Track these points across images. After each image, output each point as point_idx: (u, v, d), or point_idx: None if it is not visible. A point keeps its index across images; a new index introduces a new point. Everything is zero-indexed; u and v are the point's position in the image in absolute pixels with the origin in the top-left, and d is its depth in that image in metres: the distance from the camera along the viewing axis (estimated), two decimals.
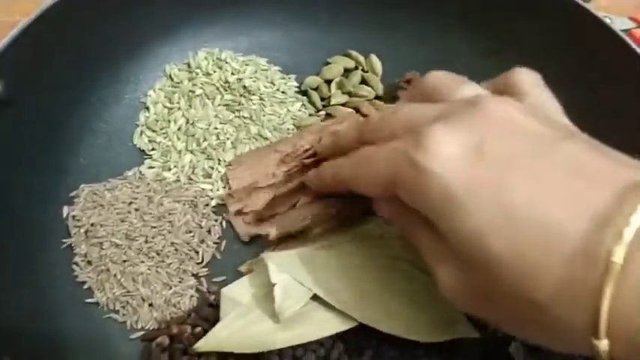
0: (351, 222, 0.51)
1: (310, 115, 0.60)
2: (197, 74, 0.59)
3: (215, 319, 0.45)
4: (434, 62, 0.61)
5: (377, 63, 0.62)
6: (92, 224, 0.50)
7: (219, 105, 0.58)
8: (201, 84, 0.58)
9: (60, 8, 0.51)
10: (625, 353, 0.25)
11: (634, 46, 0.49)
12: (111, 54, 0.57)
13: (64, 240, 0.50)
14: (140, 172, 0.54)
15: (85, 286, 0.48)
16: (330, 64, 0.62)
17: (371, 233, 0.50)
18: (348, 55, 0.63)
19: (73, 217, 0.50)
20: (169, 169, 0.54)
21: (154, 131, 0.56)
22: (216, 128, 0.56)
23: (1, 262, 0.45)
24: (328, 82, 0.61)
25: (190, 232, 0.50)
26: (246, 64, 0.60)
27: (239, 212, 0.52)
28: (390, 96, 0.60)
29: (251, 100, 0.58)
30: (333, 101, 0.60)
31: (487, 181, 0.28)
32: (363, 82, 0.62)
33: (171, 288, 0.48)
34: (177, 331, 0.45)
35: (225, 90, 0.58)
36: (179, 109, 0.57)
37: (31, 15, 0.49)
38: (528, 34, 0.57)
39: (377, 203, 0.39)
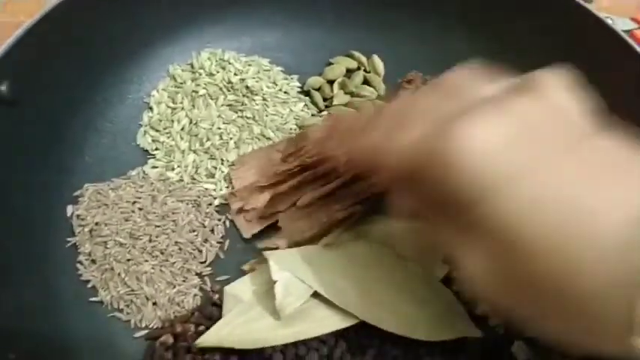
0: (356, 223, 0.51)
1: (313, 115, 0.60)
2: (200, 74, 0.59)
3: (218, 318, 0.45)
4: (435, 62, 0.61)
5: (379, 63, 0.63)
6: (96, 223, 0.50)
7: (222, 105, 0.58)
8: (205, 84, 0.59)
9: (64, 9, 0.51)
10: None
11: (636, 46, 0.50)
12: (114, 54, 0.57)
13: (69, 239, 0.50)
14: (144, 172, 0.54)
15: (89, 285, 0.48)
16: (332, 64, 0.63)
17: (374, 233, 0.51)
18: (351, 56, 0.63)
19: (78, 216, 0.51)
20: (173, 169, 0.55)
21: (157, 131, 0.57)
22: (219, 128, 0.56)
23: (5, 261, 0.45)
24: (330, 82, 0.62)
25: (194, 231, 0.51)
26: (249, 65, 0.61)
27: (241, 210, 0.52)
28: (392, 96, 0.61)
29: (254, 100, 0.58)
30: (335, 101, 0.60)
31: (527, 168, 0.27)
32: (366, 82, 0.62)
33: (175, 287, 0.48)
34: (180, 330, 0.45)
35: (228, 90, 0.59)
36: (182, 109, 0.57)
37: (35, 15, 0.50)
38: (528, 34, 0.57)
39: (394, 195, 0.37)
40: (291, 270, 0.45)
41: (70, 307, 0.47)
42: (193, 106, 0.58)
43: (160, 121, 0.57)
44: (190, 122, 0.57)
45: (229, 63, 0.60)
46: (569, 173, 0.27)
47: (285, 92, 0.60)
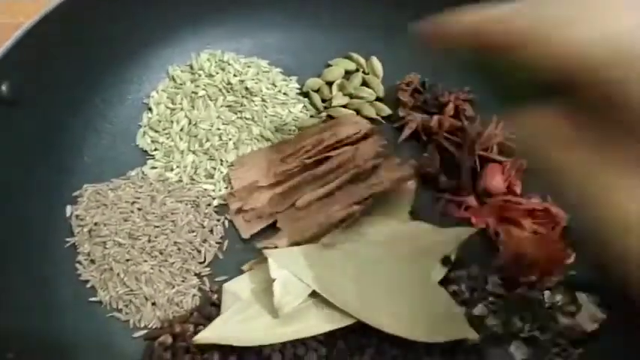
0: (355, 223, 0.52)
1: (311, 116, 0.60)
2: (200, 76, 0.59)
3: None
4: (434, 65, 0.62)
5: (378, 65, 0.63)
6: (95, 223, 0.50)
7: (221, 106, 0.58)
8: (204, 85, 0.59)
9: (64, 10, 0.51)
10: None
11: None
12: (114, 55, 0.58)
13: (68, 239, 0.50)
14: (143, 173, 0.54)
15: (89, 285, 0.48)
16: (331, 66, 0.63)
17: (372, 234, 0.51)
18: (349, 58, 0.64)
19: (77, 216, 0.51)
20: (172, 170, 0.55)
21: (156, 132, 0.57)
22: (218, 129, 0.57)
23: (4, 261, 0.46)
24: (329, 83, 0.62)
25: (193, 231, 0.51)
26: (248, 66, 0.61)
27: (240, 210, 0.53)
28: (390, 98, 0.61)
29: (253, 101, 0.59)
30: (334, 103, 0.60)
31: None
32: (364, 84, 0.62)
33: (174, 287, 0.48)
34: (179, 330, 0.45)
35: (228, 91, 0.59)
36: (182, 109, 0.58)
37: (34, 16, 0.50)
38: None
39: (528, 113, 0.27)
40: (290, 269, 0.45)
41: (68, 307, 0.47)
42: (193, 106, 0.58)
43: (160, 121, 0.57)
44: (190, 123, 0.57)
45: (229, 64, 0.60)
46: None
47: (284, 93, 0.60)
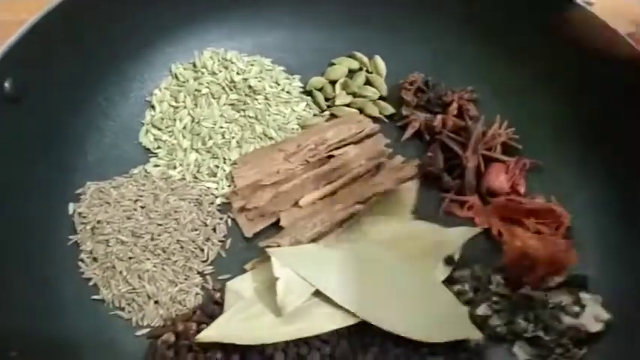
0: (358, 222, 0.51)
1: (314, 115, 0.60)
2: (203, 74, 0.59)
3: None
4: (437, 64, 0.62)
5: (381, 64, 0.63)
6: (98, 221, 0.50)
7: (224, 104, 0.58)
8: (207, 83, 0.59)
9: (67, 7, 0.51)
10: None
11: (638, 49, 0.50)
12: (117, 53, 0.57)
13: (70, 237, 0.50)
14: (146, 170, 0.54)
15: (91, 283, 0.48)
16: (334, 64, 0.63)
17: (376, 233, 0.51)
18: (353, 56, 0.64)
19: (79, 214, 0.51)
20: (175, 168, 0.55)
21: (159, 130, 0.57)
22: (221, 127, 0.56)
23: (6, 260, 0.45)
24: (333, 82, 0.62)
25: (196, 230, 0.51)
26: (252, 64, 0.61)
27: (242, 209, 0.52)
28: (394, 97, 0.61)
29: (256, 99, 0.59)
30: (337, 101, 0.60)
31: None
32: (368, 82, 0.62)
33: (176, 285, 0.48)
34: (182, 328, 0.45)
35: (231, 89, 0.59)
36: (185, 107, 0.57)
37: (37, 14, 0.49)
38: (529, 35, 0.58)
39: None
40: (293, 267, 0.45)
41: (71, 306, 0.47)
42: (196, 104, 0.58)
43: (163, 119, 0.57)
44: (193, 121, 0.57)
45: (232, 62, 0.60)
46: None
47: (287, 92, 0.60)
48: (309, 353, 0.43)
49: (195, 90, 0.58)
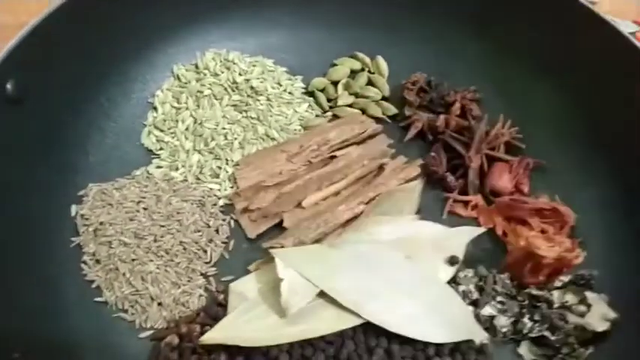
0: (361, 223, 0.51)
1: (317, 115, 0.60)
2: (205, 74, 0.59)
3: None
4: (439, 63, 0.62)
5: (383, 64, 0.63)
6: (101, 223, 0.50)
7: (226, 105, 0.58)
8: (209, 84, 0.58)
9: (68, 9, 0.51)
10: None
11: None
12: (118, 54, 0.57)
13: (73, 239, 0.50)
14: (148, 172, 0.54)
15: (94, 285, 0.48)
16: (336, 65, 0.63)
17: (380, 233, 0.51)
18: (355, 57, 0.63)
19: (82, 215, 0.50)
20: (177, 169, 0.54)
21: (161, 131, 0.56)
22: (224, 128, 0.56)
23: (9, 261, 0.45)
24: (335, 83, 0.62)
25: (199, 231, 0.50)
26: (254, 65, 0.61)
27: (245, 210, 0.52)
28: (396, 97, 0.61)
29: (258, 100, 0.58)
30: (339, 102, 0.60)
31: None
32: (370, 83, 0.62)
33: (180, 287, 0.48)
34: (186, 330, 0.45)
35: (233, 90, 0.59)
36: (187, 109, 0.57)
37: (38, 16, 0.49)
38: (533, 34, 0.58)
39: None
40: (297, 268, 0.45)
41: (74, 307, 0.47)
42: (198, 106, 0.57)
43: (165, 120, 0.57)
44: (195, 122, 0.56)
45: (234, 63, 0.60)
46: None
47: (289, 93, 0.60)
48: (313, 354, 0.43)
49: (198, 91, 0.58)
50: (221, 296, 0.47)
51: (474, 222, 0.53)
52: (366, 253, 0.48)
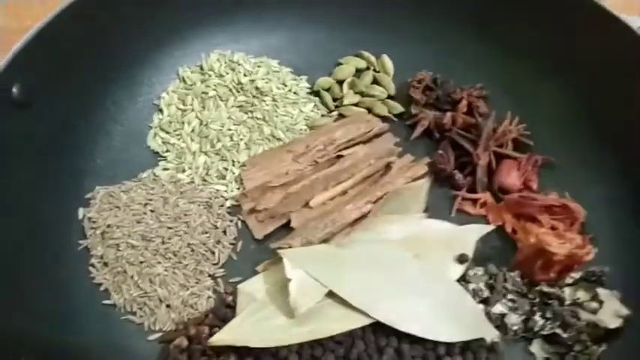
0: (369, 222, 0.51)
1: (323, 115, 0.60)
2: (210, 76, 0.59)
3: None
4: (444, 62, 0.62)
5: (388, 63, 0.62)
6: (108, 226, 0.49)
7: (232, 106, 0.58)
8: (214, 85, 0.58)
9: (73, 12, 0.51)
10: None
11: None
12: (124, 57, 0.57)
13: (80, 241, 0.50)
14: (154, 174, 0.54)
15: (102, 288, 0.48)
16: (341, 64, 0.62)
17: (388, 232, 0.50)
18: (360, 56, 0.63)
19: (89, 218, 0.50)
20: (183, 171, 0.54)
21: (167, 133, 0.56)
22: (229, 129, 0.56)
23: (17, 264, 0.45)
24: (340, 82, 0.61)
25: (206, 232, 0.50)
26: (259, 66, 0.61)
27: (252, 211, 0.52)
28: (402, 95, 0.60)
29: (264, 101, 0.58)
30: (345, 101, 0.60)
31: None
32: (375, 81, 0.62)
33: (188, 289, 0.48)
34: (195, 332, 0.45)
35: (238, 91, 0.59)
36: (192, 110, 0.57)
37: (42, 20, 0.49)
38: (540, 32, 0.57)
39: None
40: (305, 268, 0.45)
41: (82, 310, 0.47)
42: (203, 107, 0.57)
43: (171, 123, 0.57)
44: (201, 124, 0.56)
45: (239, 64, 0.60)
46: None
47: (294, 93, 0.60)
48: (323, 355, 0.43)
49: (203, 93, 0.58)
50: (229, 297, 0.47)
51: (483, 220, 0.52)
52: (374, 253, 0.48)
